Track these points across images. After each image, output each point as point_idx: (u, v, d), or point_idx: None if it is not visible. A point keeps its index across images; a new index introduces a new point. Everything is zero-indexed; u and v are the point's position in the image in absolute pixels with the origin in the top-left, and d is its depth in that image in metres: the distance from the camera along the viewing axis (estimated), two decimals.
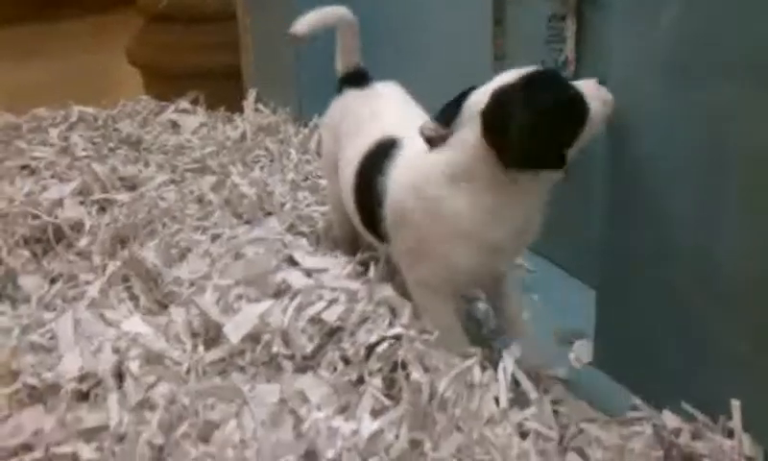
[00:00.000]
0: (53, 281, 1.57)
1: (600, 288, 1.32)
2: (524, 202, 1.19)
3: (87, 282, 1.52)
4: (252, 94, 2.65)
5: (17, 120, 2.44)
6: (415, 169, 1.24)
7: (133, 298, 1.46)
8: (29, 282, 1.56)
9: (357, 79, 1.55)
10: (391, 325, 1.26)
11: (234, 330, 1.25)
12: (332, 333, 1.27)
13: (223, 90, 2.75)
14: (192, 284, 1.43)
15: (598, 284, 1.32)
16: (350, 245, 1.60)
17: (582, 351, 1.38)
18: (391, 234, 1.30)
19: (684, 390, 1.14)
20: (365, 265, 1.44)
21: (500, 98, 1.13)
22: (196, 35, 3.18)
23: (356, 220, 1.44)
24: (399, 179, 1.27)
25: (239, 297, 1.33)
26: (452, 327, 1.29)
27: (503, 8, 1.47)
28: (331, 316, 1.28)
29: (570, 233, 1.61)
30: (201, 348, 1.26)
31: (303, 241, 1.60)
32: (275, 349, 1.23)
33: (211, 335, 1.29)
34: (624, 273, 1.25)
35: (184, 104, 2.60)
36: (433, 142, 1.21)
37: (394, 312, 1.29)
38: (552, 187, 1.21)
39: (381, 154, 1.33)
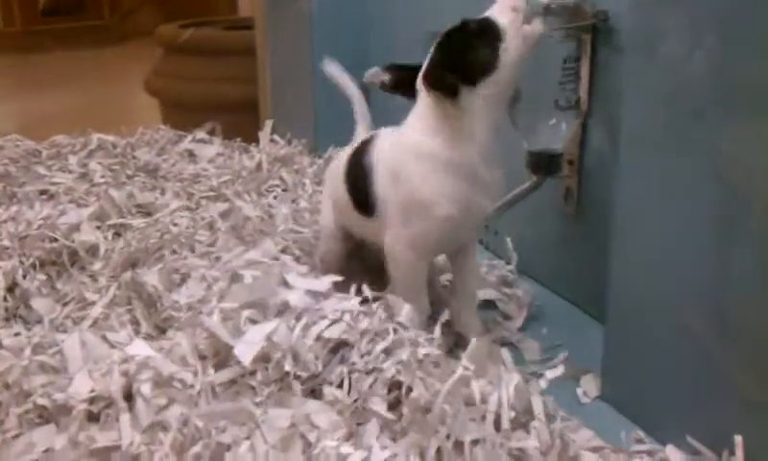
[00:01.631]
0: (65, 304, 1.58)
1: (608, 323, 1.33)
2: (477, 138, 1.31)
3: (92, 304, 1.54)
4: (268, 125, 2.67)
5: (37, 146, 2.48)
6: (397, 135, 1.39)
7: (135, 321, 1.48)
8: (41, 305, 1.57)
9: None
10: (394, 336, 1.29)
11: (246, 351, 1.26)
12: (337, 350, 1.29)
13: (240, 121, 2.79)
14: (189, 308, 1.45)
15: (606, 319, 1.33)
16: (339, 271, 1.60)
17: (590, 386, 1.38)
18: (384, 201, 1.40)
19: (689, 425, 1.14)
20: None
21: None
22: (214, 67, 3.24)
23: (348, 210, 1.52)
24: (386, 146, 1.42)
25: (245, 319, 1.35)
26: (422, 294, 1.44)
27: None
28: (335, 333, 1.30)
29: (579, 268, 1.63)
30: (210, 370, 1.28)
31: (295, 263, 1.63)
32: (286, 368, 1.24)
33: (220, 357, 1.30)
34: (632, 308, 1.26)
35: (201, 134, 2.63)
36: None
37: (396, 330, 1.31)
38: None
39: (366, 143, 1.48)
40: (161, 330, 1.45)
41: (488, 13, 1.32)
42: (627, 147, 1.21)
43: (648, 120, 1.17)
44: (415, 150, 1.34)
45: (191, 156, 2.48)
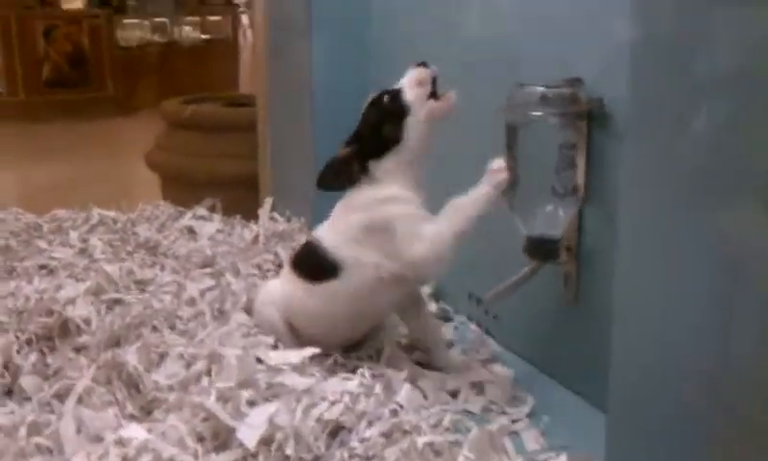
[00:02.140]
0: (54, 381, 1.57)
1: (610, 411, 1.32)
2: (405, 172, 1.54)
3: (72, 380, 1.53)
4: (268, 202, 2.70)
5: (39, 220, 2.50)
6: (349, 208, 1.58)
7: (117, 402, 1.47)
8: (30, 382, 1.56)
9: None
10: (394, 420, 1.32)
11: (250, 434, 1.26)
12: (336, 433, 1.31)
13: (240, 197, 2.81)
14: (171, 389, 1.46)
15: (608, 407, 1.32)
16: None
17: None
18: (356, 260, 1.54)
19: None
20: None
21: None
22: (215, 143, 3.28)
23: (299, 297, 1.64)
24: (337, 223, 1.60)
25: (245, 400, 1.35)
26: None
27: (515, 134, 1.52)
28: (334, 414, 1.32)
29: (579, 354, 1.62)
30: (212, 454, 1.27)
31: (265, 337, 1.67)
32: (288, 451, 1.24)
33: (221, 439, 1.29)
34: (635, 395, 1.25)
35: (202, 211, 2.66)
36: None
37: (395, 412, 1.34)
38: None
39: (308, 240, 1.70)
40: (147, 412, 1.45)
41: (400, 84, 1.52)
42: (625, 232, 1.21)
43: (645, 204, 1.18)
44: (360, 203, 1.55)
45: (191, 232, 2.49)
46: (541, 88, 1.46)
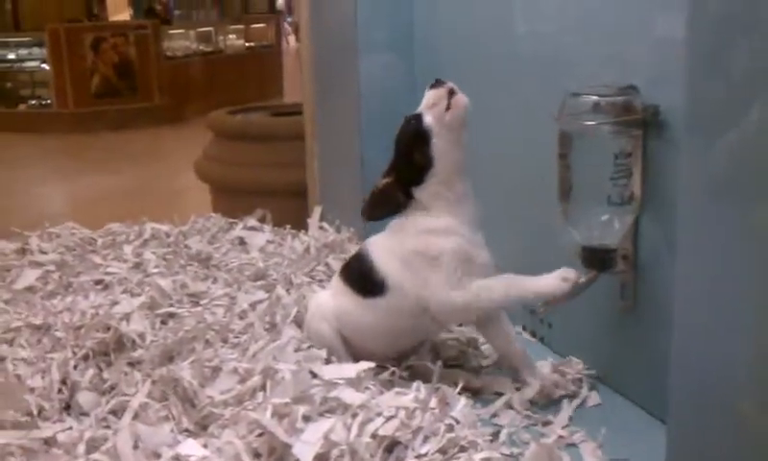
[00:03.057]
0: (108, 393, 1.61)
1: (670, 421, 1.29)
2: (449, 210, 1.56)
3: (128, 396, 1.55)
4: (317, 212, 2.71)
5: (93, 235, 2.54)
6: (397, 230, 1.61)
7: (172, 417, 1.48)
8: (87, 398, 1.59)
9: None
10: (449, 435, 1.30)
11: (306, 451, 1.26)
12: (392, 448, 1.30)
13: (289, 207, 2.83)
14: (226, 404, 1.46)
15: (668, 419, 1.30)
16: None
17: None
18: (398, 282, 1.57)
19: None
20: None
21: None
22: (263, 153, 3.30)
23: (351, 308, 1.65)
24: (385, 241, 1.62)
25: (300, 416, 1.35)
26: (510, 279, 1.56)
27: (569, 143, 1.50)
28: (389, 430, 1.31)
29: (637, 363, 1.59)
30: None
31: (318, 351, 1.66)
32: None
33: (276, 455, 1.29)
34: (696, 404, 1.22)
35: (252, 221, 2.67)
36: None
37: (451, 428, 1.32)
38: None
39: (359, 251, 1.70)
40: (202, 427, 1.46)
41: (419, 109, 1.55)
42: (683, 240, 1.19)
43: (704, 211, 1.15)
44: (413, 229, 1.56)
45: (242, 243, 2.51)
46: (595, 97, 1.43)
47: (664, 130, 1.43)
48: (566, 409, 1.56)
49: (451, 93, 1.54)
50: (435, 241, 1.54)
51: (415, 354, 1.69)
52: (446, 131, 1.53)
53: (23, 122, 8.29)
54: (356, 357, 1.64)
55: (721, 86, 1.06)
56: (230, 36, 10.72)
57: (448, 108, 1.53)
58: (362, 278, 1.63)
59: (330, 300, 1.71)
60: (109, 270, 2.21)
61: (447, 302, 1.54)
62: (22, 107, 8.66)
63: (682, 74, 1.12)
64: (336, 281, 1.73)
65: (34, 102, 8.64)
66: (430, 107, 1.55)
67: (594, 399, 1.63)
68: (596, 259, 1.51)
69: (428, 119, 1.54)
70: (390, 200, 1.58)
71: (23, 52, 8.80)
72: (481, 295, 1.53)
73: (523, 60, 1.88)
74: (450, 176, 1.55)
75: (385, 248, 1.61)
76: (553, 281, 1.50)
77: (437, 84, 1.56)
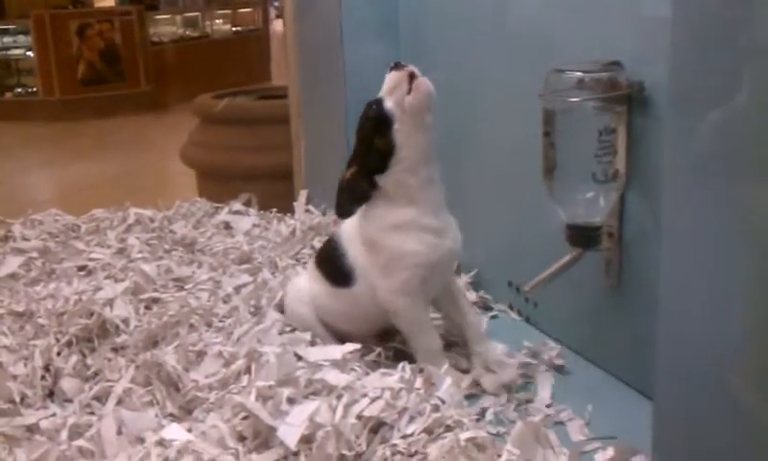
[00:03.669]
0: (92, 379, 1.60)
1: (656, 400, 1.28)
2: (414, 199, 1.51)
3: (111, 382, 1.54)
4: (303, 195, 2.70)
5: (76, 221, 2.52)
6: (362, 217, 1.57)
7: (156, 402, 1.48)
8: (71, 384, 1.58)
9: None
10: (435, 415, 1.30)
11: (291, 433, 1.25)
12: (377, 429, 1.29)
13: (274, 190, 2.80)
14: (211, 388, 1.46)
15: (655, 395, 1.29)
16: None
17: None
18: (363, 268, 1.56)
19: None
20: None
21: None
22: (249, 136, 3.27)
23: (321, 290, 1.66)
24: (355, 228, 1.59)
25: (285, 398, 1.34)
26: (429, 328, 1.58)
27: (552, 120, 1.49)
28: (375, 411, 1.30)
29: (622, 340, 1.59)
30: (254, 454, 1.26)
31: (302, 333, 1.66)
32: (329, 450, 1.23)
33: (261, 438, 1.29)
34: (682, 381, 1.22)
35: (237, 205, 2.66)
36: None
37: (437, 408, 1.32)
38: None
39: (331, 238, 1.70)
40: (186, 411, 1.45)
41: (380, 94, 1.50)
42: (669, 217, 1.18)
43: (689, 187, 1.14)
44: (379, 221, 1.53)
45: (227, 228, 2.49)
46: (579, 73, 1.42)
47: (649, 106, 1.42)
48: (546, 389, 1.56)
49: (411, 77, 1.48)
50: (398, 240, 1.52)
51: (399, 333, 1.68)
52: (408, 115, 1.47)
53: (9, 110, 8.22)
54: (338, 337, 1.65)
55: (707, 63, 1.05)
56: (217, 21, 10.65)
57: (409, 92, 1.47)
58: (332, 266, 1.63)
59: (306, 284, 1.71)
60: (93, 256, 2.19)
61: (393, 303, 1.55)
62: (8, 95, 8.59)
63: (667, 50, 1.11)
64: (311, 267, 1.73)
65: (20, 90, 8.56)
66: (390, 91, 1.49)
67: (579, 376, 1.63)
68: (581, 237, 1.51)
69: (389, 104, 1.48)
70: (356, 191, 1.54)
71: (8, 40, 8.71)
72: (416, 319, 1.56)
73: (509, 40, 1.86)
74: (414, 162, 1.50)
75: (353, 238, 1.60)
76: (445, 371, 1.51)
77: (397, 67, 1.50)
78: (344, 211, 1.56)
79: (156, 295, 1.92)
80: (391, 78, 1.50)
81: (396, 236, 1.51)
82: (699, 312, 1.15)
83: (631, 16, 1.47)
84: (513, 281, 1.93)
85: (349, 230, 1.62)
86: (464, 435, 1.24)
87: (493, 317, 1.92)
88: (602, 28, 1.54)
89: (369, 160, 1.52)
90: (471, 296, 1.97)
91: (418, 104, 1.47)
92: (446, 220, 1.56)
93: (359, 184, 1.53)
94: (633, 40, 1.46)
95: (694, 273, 1.15)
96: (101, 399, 1.51)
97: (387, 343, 1.67)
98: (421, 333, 1.56)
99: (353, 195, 1.54)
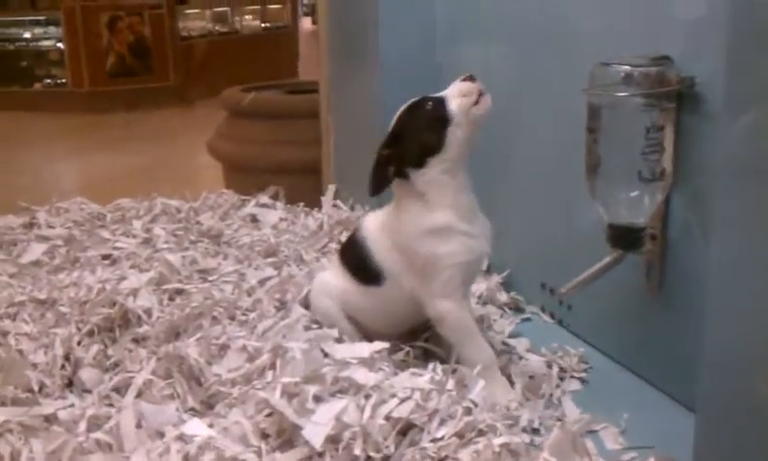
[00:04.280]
0: (112, 369, 1.57)
1: (700, 408, 1.23)
2: (446, 202, 1.51)
3: (132, 373, 1.51)
4: (330, 190, 2.66)
5: (102, 210, 2.50)
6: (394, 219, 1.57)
7: (177, 396, 1.44)
8: (90, 375, 1.55)
9: None
10: (467, 418, 1.25)
11: (316, 433, 1.20)
12: (406, 431, 1.25)
13: (302, 185, 2.78)
14: (234, 383, 1.42)
15: (696, 405, 1.23)
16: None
17: None
18: (393, 270, 1.55)
19: None
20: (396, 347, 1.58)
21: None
22: (277, 130, 3.24)
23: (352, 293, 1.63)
24: (381, 226, 1.59)
25: (311, 396, 1.29)
26: (477, 335, 1.53)
27: (598, 116, 1.43)
28: (404, 412, 1.25)
29: (661, 349, 1.53)
30: (277, 452, 1.22)
31: (329, 330, 1.62)
32: (356, 451, 1.19)
33: (285, 437, 1.24)
34: (728, 392, 1.16)
35: (265, 198, 2.63)
36: None
37: (469, 411, 1.28)
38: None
39: (355, 232, 1.67)
40: (208, 406, 1.41)
41: (444, 94, 1.51)
42: (721, 221, 1.12)
43: (745, 191, 1.08)
44: (414, 228, 1.51)
45: (254, 220, 2.47)
46: (627, 67, 1.36)
47: (700, 103, 1.37)
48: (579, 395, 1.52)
49: (481, 92, 1.50)
50: (435, 245, 1.50)
51: (427, 331, 1.65)
52: (467, 123, 1.50)
53: (38, 101, 8.24)
54: (363, 334, 1.63)
55: (764, 62, 0.99)
56: (246, 17, 10.65)
57: (476, 102, 1.49)
58: (360, 265, 1.61)
59: (333, 279, 1.68)
60: (118, 245, 2.17)
61: (436, 309, 1.52)
62: (37, 86, 8.62)
63: (718, 45, 1.05)
64: (336, 262, 1.71)
65: (49, 81, 8.59)
66: (458, 96, 1.50)
67: (613, 383, 1.59)
68: (623, 238, 1.45)
69: (453, 106, 1.50)
70: (383, 173, 1.53)
71: (38, 31, 8.75)
72: (463, 323, 1.52)
73: (551, 32, 1.81)
74: (455, 164, 1.51)
75: (383, 238, 1.58)
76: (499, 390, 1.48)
77: (471, 79, 1.52)
78: (375, 189, 1.55)
79: (180, 286, 1.88)
80: (463, 86, 1.51)
81: (431, 240, 1.50)
82: (749, 321, 1.10)
83: (682, 8, 1.42)
84: (546, 283, 1.87)
85: (374, 228, 1.61)
86: (497, 441, 1.19)
87: (525, 319, 1.87)
88: (651, 21, 1.49)
89: (409, 151, 1.51)
90: (503, 297, 1.91)
91: (481, 115, 1.50)
92: (482, 223, 1.56)
93: (387, 168, 1.53)
94: (683, 35, 1.41)
95: (746, 279, 1.09)
96: (120, 390, 1.48)
97: (415, 342, 1.62)
98: (472, 341, 1.52)
99: (383, 175, 1.53)
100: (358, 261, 1.61)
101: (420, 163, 1.50)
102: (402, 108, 1.56)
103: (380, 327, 1.63)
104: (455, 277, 1.50)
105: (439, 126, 1.50)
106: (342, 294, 1.65)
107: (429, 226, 1.50)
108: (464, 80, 1.52)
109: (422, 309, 1.54)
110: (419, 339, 1.64)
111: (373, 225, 1.62)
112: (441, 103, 1.51)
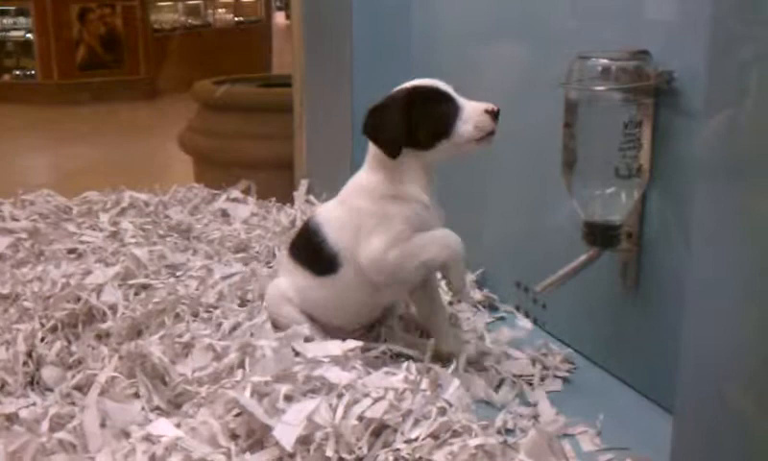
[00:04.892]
0: (75, 367, 1.53)
1: (677, 410, 1.21)
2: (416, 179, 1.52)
3: (95, 372, 1.47)
4: (303, 185, 2.63)
5: (68, 202, 2.45)
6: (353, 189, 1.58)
7: (142, 395, 1.40)
8: (52, 373, 1.51)
9: None
10: (441, 419, 1.22)
11: (287, 433, 1.17)
12: (380, 432, 1.21)
13: (273, 179, 2.75)
14: (200, 383, 1.39)
15: (675, 405, 1.22)
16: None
17: None
18: (348, 250, 1.53)
19: None
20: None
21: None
22: (249, 124, 3.20)
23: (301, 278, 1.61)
24: (333, 210, 1.59)
25: (282, 396, 1.26)
26: (425, 239, 1.51)
27: (575, 110, 1.41)
28: (378, 413, 1.22)
29: (636, 348, 1.52)
30: (247, 453, 1.19)
31: (300, 327, 1.56)
32: (328, 452, 1.16)
33: (256, 437, 1.21)
34: (707, 393, 1.14)
35: (236, 193, 2.59)
36: None
37: (443, 411, 1.25)
38: None
39: (306, 226, 1.66)
40: (175, 405, 1.38)
41: (464, 106, 1.48)
42: (700, 219, 1.10)
43: (726, 189, 1.07)
44: (375, 193, 1.52)
45: (225, 215, 2.43)
46: (604, 61, 1.35)
47: (678, 98, 1.36)
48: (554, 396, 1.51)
49: (492, 133, 1.48)
50: (392, 205, 1.50)
51: (381, 323, 1.67)
52: (463, 143, 1.48)
53: (6, 93, 8.14)
54: (329, 333, 1.59)
55: (747, 58, 0.97)
56: (220, 10, 10.58)
57: (481, 140, 1.48)
58: (314, 255, 1.58)
59: (286, 281, 1.64)
60: (84, 239, 2.13)
61: (381, 259, 1.50)
62: (6, 77, 8.52)
63: (697, 40, 1.04)
64: (286, 261, 1.67)
65: (18, 72, 8.49)
66: (474, 120, 1.47)
67: (589, 383, 1.57)
68: (599, 236, 1.44)
69: (463, 126, 1.47)
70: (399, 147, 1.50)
71: (8, 21, 8.63)
72: (409, 252, 1.50)
73: (530, 24, 1.80)
74: (430, 167, 1.53)
75: (337, 220, 1.57)
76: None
77: (494, 115, 1.47)
78: (393, 152, 1.51)
79: (145, 281, 1.84)
80: (484, 118, 1.47)
81: (392, 203, 1.51)
82: (729, 321, 1.08)
83: (659, 4, 1.42)
84: (521, 282, 1.86)
85: (327, 214, 1.59)
86: (472, 442, 1.17)
87: (499, 318, 1.85)
88: (629, 15, 1.48)
89: (419, 127, 1.50)
90: (476, 294, 1.89)
91: (478, 148, 1.49)
92: (437, 209, 1.55)
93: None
94: (661, 30, 1.40)
95: (725, 278, 1.08)
96: (82, 388, 1.43)
97: (390, 343, 1.59)
98: (422, 249, 1.50)
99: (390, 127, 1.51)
100: (312, 251, 1.58)
101: (423, 146, 1.50)
102: (425, 83, 1.52)
103: (342, 320, 1.60)
104: (404, 232, 1.49)
105: (441, 129, 1.48)
106: (298, 292, 1.61)
107: (392, 192, 1.51)
108: (488, 111, 1.47)
109: (377, 293, 1.54)
110: (394, 341, 1.61)
111: (325, 213, 1.61)
112: (456, 112, 1.48)
